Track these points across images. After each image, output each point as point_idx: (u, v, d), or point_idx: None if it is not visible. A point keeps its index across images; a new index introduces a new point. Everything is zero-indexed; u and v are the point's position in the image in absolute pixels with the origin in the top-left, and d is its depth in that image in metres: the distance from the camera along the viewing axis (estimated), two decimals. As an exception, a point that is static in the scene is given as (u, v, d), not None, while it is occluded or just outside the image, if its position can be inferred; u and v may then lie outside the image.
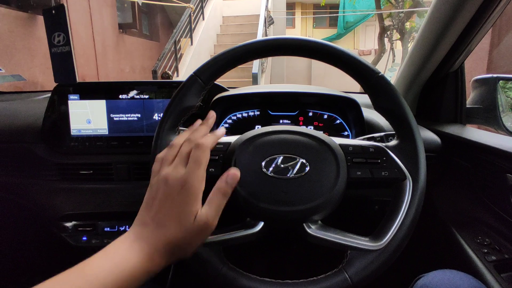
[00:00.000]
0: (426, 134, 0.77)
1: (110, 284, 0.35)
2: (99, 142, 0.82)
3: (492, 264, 0.57)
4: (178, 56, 4.87)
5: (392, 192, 0.49)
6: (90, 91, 0.80)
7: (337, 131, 0.83)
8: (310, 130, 0.52)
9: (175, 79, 4.64)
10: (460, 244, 0.64)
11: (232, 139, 0.53)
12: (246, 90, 0.82)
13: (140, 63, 5.36)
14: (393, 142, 0.51)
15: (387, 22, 5.55)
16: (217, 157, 0.51)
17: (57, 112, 0.81)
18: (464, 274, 0.51)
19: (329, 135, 0.83)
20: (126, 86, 0.81)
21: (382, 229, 0.47)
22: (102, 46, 4.30)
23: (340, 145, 0.51)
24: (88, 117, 0.81)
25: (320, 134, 0.51)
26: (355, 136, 0.82)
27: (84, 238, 0.81)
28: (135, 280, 0.38)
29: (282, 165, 0.48)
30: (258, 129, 0.52)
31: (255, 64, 4.20)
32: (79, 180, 0.82)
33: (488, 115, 0.86)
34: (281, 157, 0.48)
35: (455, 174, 0.74)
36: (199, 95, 0.53)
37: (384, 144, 0.51)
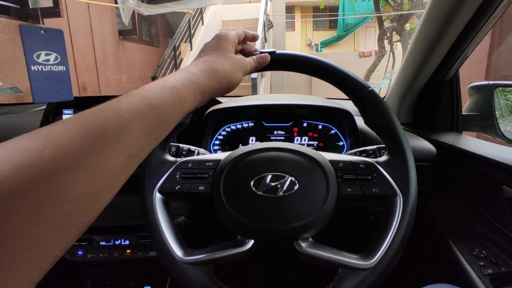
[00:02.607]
0: (421, 144, 0.76)
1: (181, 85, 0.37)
2: (94, 156, 0.82)
3: (488, 278, 0.56)
4: (178, 61, 4.89)
5: (383, 208, 0.49)
6: (84, 105, 0.80)
7: (332, 142, 0.82)
8: (299, 146, 0.51)
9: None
10: (456, 256, 0.63)
11: (221, 156, 0.53)
12: (239, 103, 0.82)
13: (140, 69, 5.38)
14: (384, 158, 0.50)
15: (386, 24, 5.54)
16: (206, 175, 0.51)
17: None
18: None
19: (324, 145, 0.84)
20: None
21: (373, 246, 0.46)
22: (102, 53, 4.33)
23: (331, 161, 0.50)
24: (82, 132, 0.81)
25: (309, 150, 0.51)
26: (350, 146, 0.81)
27: (80, 253, 0.81)
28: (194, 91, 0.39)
29: (271, 184, 0.47)
30: (247, 147, 0.52)
31: (254, 69, 4.19)
32: None
33: (485, 123, 0.85)
34: (270, 176, 0.48)
35: (451, 184, 0.74)
36: (190, 112, 0.53)
37: (374, 160, 0.50)
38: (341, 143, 0.82)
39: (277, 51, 0.51)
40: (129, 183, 0.82)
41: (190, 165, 0.52)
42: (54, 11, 3.57)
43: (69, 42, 3.71)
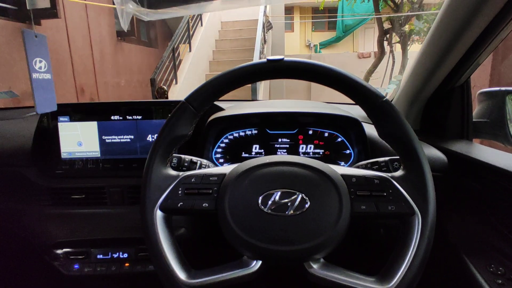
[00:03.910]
0: (432, 152, 0.73)
1: None
2: (91, 165, 0.78)
3: (508, 298, 0.54)
4: (177, 63, 4.85)
5: (400, 227, 0.46)
6: (80, 112, 0.77)
7: (339, 150, 0.79)
8: (309, 160, 0.48)
9: (173, 87, 4.62)
10: (472, 273, 0.60)
11: (226, 169, 0.50)
12: (242, 110, 0.79)
13: (138, 70, 5.34)
14: (400, 172, 0.47)
15: (386, 25, 5.52)
16: (210, 191, 0.48)
17: (47, 135, 0.78)
18: None
19: (330, 154, 0.81)
20: (117, 107, 0.78)
21: (390, 268, 0.43)
22: (100, 55, 4.28)
23: (343, 175, 0.47)
24: (79, 140, 0.78)
25: (320, 164, 0.48)
26: (358, 155, 0.78)
27: (76, 266, 0.77)
28: None
29: (280, 201, 0.44)
30: (254, 160, 0.49)
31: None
32: (71, 205, 0.79)
33: (496, 130, 0.82)
34: (279, 193, 0.45)
35: (463, 195, 0.71)
36: (191, 123, 0.50)
37: (390, 174, 0.47)
38: (348, 152, 0.79)
39: (285, 59, 0.48)
40: (127, 193, 0.79)
41: (193, 180, 0.49)
42: (51, 12, 3.52)
43: (67, 44, 3.67)
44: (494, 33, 0.58)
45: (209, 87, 0.49)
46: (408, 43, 5.47)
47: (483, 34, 0.59)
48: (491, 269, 0.59)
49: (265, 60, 0.48)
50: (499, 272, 0.59)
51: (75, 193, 0.78)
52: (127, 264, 0.77)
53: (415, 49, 5.72)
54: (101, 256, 0.78)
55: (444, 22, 0.63)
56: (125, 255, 0.77)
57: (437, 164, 0.71)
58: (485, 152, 0.69)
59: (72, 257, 0.78)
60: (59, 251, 0.78)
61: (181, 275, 0.44)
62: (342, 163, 0.79)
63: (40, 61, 0.58)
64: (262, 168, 0.47)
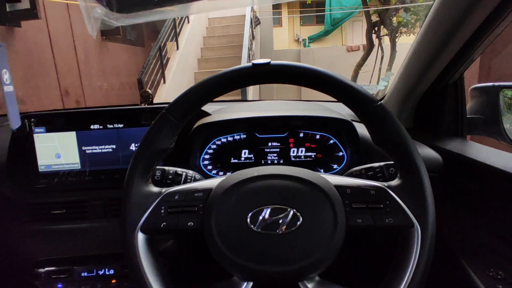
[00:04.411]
0: (426, 152, 0.71)
1: None
2: (71, 177, 0.74)
3: (510, 304, 0.52)
4: (164, 61, 4.76)
5: (398, 239, 0.43)
6: (57, 122, 0.73)
7: (331, 152, 0.76)
8: (300, 171, 0.45)
9: (161, 87, 4.53)
10: (471, 277, 0.58)
11: (212, 184, 0.46)
12: (230, 115, 0.75)
13: (125, 70, 5.22)
14: (396, 182, 0.45)
15: (374, 18, 5.52)
16: (196, 208, 0.44)
17: (22, 148, 0.73)
18: None
19: (323, 156, 0.78)
20: (97, 115, 0.73)
21: (389, 284, 0.41)
22: (85, 55, 4.16)
23: (336, 186, 0.44)
24: (57, 151, 0.73)
25: (312, 176, 0.45)
26: (351, 156, 0.76)
27: (60, 286, 0.73)
28: None
29: (270, 219, 0.41)
30: (242, 173, 0.46)
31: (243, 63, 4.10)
32: (52, 220, 0.75)
33: (490, 126, 0.80)
34: (269, 209, 0.42)
35: (460, 196, 0.69)
36: (173, 135, 0.46)
37: (386, 183, 0.45)
38: (341, 154, 0.76)
39: (272, 62, 0.44)
40: (110, 206, 0.75)
41: (176, 197, 0.45)
42: (31, 13, 3.40)
43: (49, 45, 3.56)
44: (490, 29, 0.56)
45: (191, 96, 0.46)
46: (396, 35, 5.48)
47: (478, 30, 0.57)
48: (491, 273, 0.58)
49: (250, 64, 0.45)
50: (499, 277, 0.57)
51: (55, 208, 0.73)
52: (113, 281, 0.73)
53: (403, 41, 5.74)
54: (85, 274, 0.74)
55: (438, 19, 0.60)
56: (111, 271, 0.74)
57: (432, 165, 0.69)
58: (481, 151, 0.67)
59: (55, 276, 0.73)
60: (40, 270, 0.74)
61: None
62: (335, 166, 0.77)
63: (5, 73, 0.53)
64: (250, 183, 0.44)
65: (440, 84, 0.75)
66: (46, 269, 0.74)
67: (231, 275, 0.43)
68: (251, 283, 0.42)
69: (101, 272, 0.73)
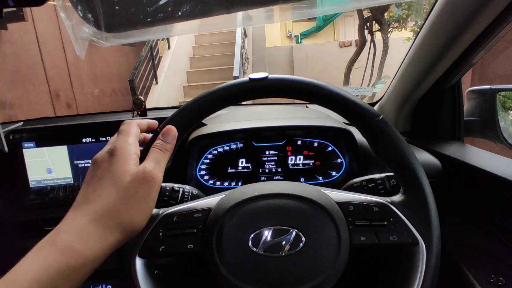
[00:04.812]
0: (425, 157, 0.70)
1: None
2: (64, 192, 0.72)
3: (512, 312, 0.52)
4: (156, 61, 4.70)
5: (403, 257, 0.42)
6: (47, 137, 0.70)
7: (330, 159, 0.76)
8: (301, 189, 0.44)
9: (153, 87, 4.48)
10: (472, 284, 0.58)
11: (211, 203, 0.45)
12: (226, 126, 0.73)
13: (117, 71, 5.15)
14: (400, 197, 0.44)
15: (366, 13, 5.51)
16: (195, 230, 0.43)
17: (11, 163, 0.70)
18: None
19: (321, 164, 0.77)
20: (88, 128, 0.71)
21: None
22: (74, 57, 4.09)
23: (339, 203, 0.43)
24: (48, 166, 0.71)
25: (313, 193, 0.43)
26: (350, 163, 0.75)
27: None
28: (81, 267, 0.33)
29: (273, 240, 0.40)
30: (241, 192, 0.44)
31: (236, 67, 4.09)
32: (44, 237, 0.72)
33: (486, 129, 0.80)
34: (271, 231, 0.40)
35: (459, 201, 0.68)
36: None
37: (389, 199, 0.44)
38: (339, 161, 0.75)
39: (269, 76, 0.43)
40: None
41: (175, 219, 0.44)
42: (17, 15, 3.32)
43: (37, 47, 3.48)
44: (492, 35, 0.55)
45: (187, 113, 0.44)
46: (388, 30, 5.49)
47: (480, 36, 0.56)
48: (492, 280, 0.58)
49: (247, 79, 0.44)
50: (500, 283, 0.57)
51: (48, 224, 0.71)
52: (111, 297, 0.72)
53: (395, 36, 5.76)
54: (82, 291, 0.72)
55: (438, 25, 0.59)
56: (109, 287, 0.72)
57: (431, 170, 0.68)
58: (479, 156, 0.66)
59: (50, 294, 0.71)
60: (35, 289, 0.72)
61: None
62: (334, 173, 0.76)
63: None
64: (250, 203, 0.43)
65: (438, 88, 0.74)
66: None
67: None
68: None
69: (98, 289, 0.72)
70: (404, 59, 0.76)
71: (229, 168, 0.76)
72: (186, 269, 0.73)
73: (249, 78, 0.44)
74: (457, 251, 0.65)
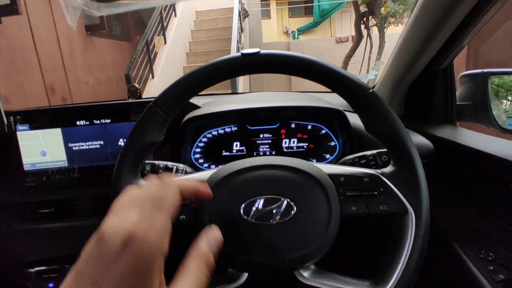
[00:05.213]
0: (417, 139, 0.71)
1: None
2: (58, 175, 0.72)
3: (501, 285, 0.53)
4: (152, 56, 4.67)
5: (393, 226, 0.43)
6: (40, 119, 0.70)
7: (323, 142, 0.76)
8: (292, 161, 0.44)
9: (149, 82, 4.46)
10: (463, 260, 0.59)
11: (204, 177, 0.45)
12: (220, 107, 0.74)
13: (112, 65, 5.12)
14: (390, 169, 0.44)
15: (362, 8, 5.51)
16: (187, 201, 0.43)
17: (5, 146, 0.70)
18: None
19: (315, 146, 0.77)
20: (82, 111, 0.71)
21: (385, 271, 0.41)
22: (69, 51, 4.06)
23: (330, 175, 0.44)
24: (42, 149, 0.71)
25: (305, 165, 0.44)
26: (343, 146, 0.75)
27: (51, 285, 0.72)
28: None
29: (264, 209, 0.41)
30: (233, 164, 0.45)
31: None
32: (40, 219, 0.72)
33: (479, 113, 0.81)
34: (262, 199, 0.41)
35: (451, 181, 0.69)
36: (162, 129, 0.45)
37: (379, 171, 0.44)
38: (333, 144, 0.76)
39: (261, 52, 0.44)
40: (101, 203, 0.73)
41: None
42: (11, 9, 3.29)
43: (31, 40, 3.45)
44: (479, 16, 0.56)
45: (179, 88, 0.44)
46: (385, 25, 5.50)
47: (467, 17, 0.56)
48: (482, 256, 0.59)
49: (239, 54, 0.44)
50: (490, 258, 0.58)
51: (42, 207, 0.71)
52: (106, 278, 0.72)
53: (392, 31, 5.76)
54: (77, 273, 0.72)
55: (427, 7, 0.60)
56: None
57: (423, 151, 0.69)
58: (471, 137, 0.67)
59: (45, 275, 0.72)
60: (30, 271, 0.72)
61: None
62: (328, 156, 0.76)
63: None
64: (242, 174, 0.43)
65: (430, 71, 0.75)
66: (36, 269, 0.72)
67: (226, 267, 0.43)
68: (246, 275, 0.42)
69: (93, 270, 0.72)
70: (397, 44, 0.77)
71: (223, 151, 0.77)
72: (180, 247, 0.73)
73: (241, 53, 0.44)
74: (448, 229, 0.66)
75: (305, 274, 0.42)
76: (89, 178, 0.72)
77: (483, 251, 0.59)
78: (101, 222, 0.72)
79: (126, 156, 0.44)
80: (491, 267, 0.56)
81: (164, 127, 0.45)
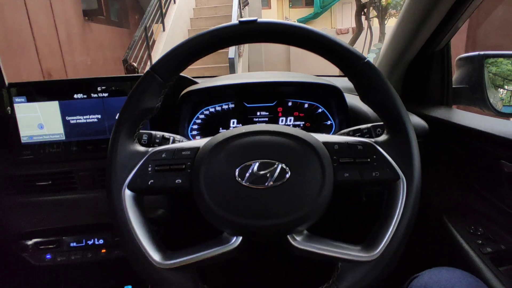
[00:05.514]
0: (413, 119, 0.72)
1: None
2: (56, 148, 0.72)
3: (488, 257, 0.54)
4: (150, 43, 4.63)
5: (385, 193, 0.44)
6: (38, 91, 0.70)
7: (320, 121, 0.77)
8: (288, 128, 0.45)
9: (147, 69, 4.42)
10: (453, 235, 0.61)
11: (200, 143, 0.46)
12: (218, 82, 0.74)
13: (110, 52, 5.07)
14: (383, 137, 0.45)
15: (363, 0, 5.47)
16: (184, 166, 0.44)
17: (2, 118, 0.70)
18: (461, 272, 0.48)
19: (311, 125, 0.78)
20: (80, 84, 0.71)
21: (375, 236, 0.42)
22: (67, 36, 4.01)
23: (324, 143, 0.45)
24: (39, 122, 0.71)
25: (300, 132, 0.45)
26: (339, 125, 0.76)
27: (48, 256, 0.73)
28: None
29: (259, 173, 0.41)
30: (229, 131, 0.45)
31: (231, 48, 4.04)
32: (37, 192, 0.73)
33: (474, 95, 0.82)
34: (257, 163, 0.42)
35: (444, 159, 0.71)
36: (159, 95, 0.46)
37: (373, 139, 0.45)
38: (329, 123, 0.77)
39: (259, 20, 0.44)
40: (98, 176, 0.74)
41: (164, 155, 0.45)
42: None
43: (28, 24, 3.40)
44: None
45: (177, 54, 0.45)
46: (386, 17, 5.46)
47: None
48: (471, 230, 0.60)
49: (237, 22, 0.44)
50: (479, 233, 0.59)
51: (40, 179, 0.72)
52: (103, 251, 0.73)
53: (392, 23, 5.73)
54: (74, 244, 0.73)
55: None
56: (101, 241, 0.73)
57: (418, 131, 0.70)
58: (465, 117, 0.68)
59: (42, 247, 0.73)
60: (27, 242, 0.73)
61: (156, 256, 0.41)
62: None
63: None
64: (238, 139, 0.44)
65: (427, 52, 0.75)
66: (33, 240, 0.73)
67: (221, 232, 0.44)
68: (240, 238, 0.42)
69: (90, 242, 0.73)
70: (394, 25, 0.77)
71: (220, 128, 0.77)
72: (176, 217, 0.74)
73: (239, 21, 0.44)
74: (439, 205, 0.67)
75: (298, 238, 0.42)
76: (86, 152, 0.73)
77: (472, 226, 0.61)
78: (98, 195, 0.74)
79: (123, 120, 0.44)
80: (480, 241, 0.58)
81: (161, 94, 0.46)
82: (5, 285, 0.79)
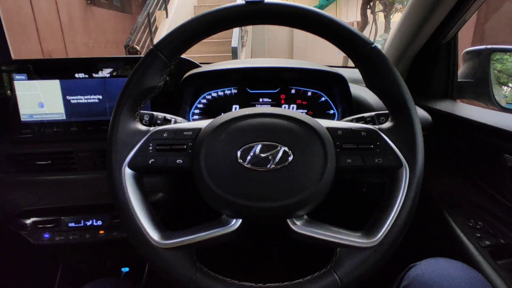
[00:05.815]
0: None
1: None
2: (56, 128, 0.72)
3: (487, 250, 0.54)
4: (153, 29, 4.58)
5: (387, 180, 0.44)
6: (39, 69, 0.69)
7: (322, 110, 0.76)
8: (292, 111, 0.45)
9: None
10: (452, 228, 0.61)
11: (202, 124, 0.45)
12: (221, 66, 0.73)
13: (112, 37, 5.02)
14: (387, 124, 0.45)
15: (369, -7, 5.40)
16: (185, 146, 0.44)
17: (2, 95, 0.70)
18: (458, 263, 0.48)
19: (314, 114, 0.77)
20: (82, 64, 0.70)
21: (375, 223, 0.42)
22: (68, 19, 3.96)
23: (328, 128, 0.44)
24: (40, 100, 0.71)
25: (304, 116, 0.44)
26: (342, 114, 0.75)
27: (46, 236, 0.73)
28: None
29: (261, 155, 0.41)
30: (232, 113, 0.45)
31: (235, 38, 4.00)
32: (37, 171, 0.73)
33: (479, 88, 0.81)
34: (260, 145, 0.41)
35: (446, 152, 0.70)
36: (162, 74, 0.45)
37: (377, 126, 0.45)
38: (331, 112, 0.76)
39: (266, 1, 0.43)
40: (98, 157, 0.74)
41: (165, 134, 0.44)
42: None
43: (29, 4, 3.36)
44: None
45: (181, 33, 0.44)
46: (391, 11, 5.40)
47: None
48: (470, 224, 0.60)
49: (243, 2, 0.43)
50: (478, 226, 0.59)
51: (39, 158, 0.72)
52: (102, 232, 0.73)
53: (397, 18, 5.67)
54: (73, 224, 0.73)
55: None
56: (99, 222, 0.73)
57: (422, 123, 0.69)
58: (470, 110, 0.68)
59: (41, 226, 0.73)
60: (25, 220, 0.73)
61: (155, 236, 0.41)
62: (326, 124, 0.77)
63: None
64: (241, 120, 0.43)
65: (433, 44, 0.74)
66: (32, 219, 0.73)
67: (220, 214, 0.44)
68: (240, 220, 0.42)
69: (88, 223, 0.73)
70: (401, 17, 0.76)
71: (222, 113, 0.76)
72: (176, 200, 0.74)
73: (246, 1, 0.43)
74: (440, 198, 0.67)
75: (298, 223, 0.42)
76: (86, 133, 0.72)
77: (472, 220, 0.61)
78: (97, 176, 0.73)
79: (125, 97, 0.44)
80: (478, 234, 0.58)
81: (164, 73, 0.45)
82: (6, 263, 0.79)
